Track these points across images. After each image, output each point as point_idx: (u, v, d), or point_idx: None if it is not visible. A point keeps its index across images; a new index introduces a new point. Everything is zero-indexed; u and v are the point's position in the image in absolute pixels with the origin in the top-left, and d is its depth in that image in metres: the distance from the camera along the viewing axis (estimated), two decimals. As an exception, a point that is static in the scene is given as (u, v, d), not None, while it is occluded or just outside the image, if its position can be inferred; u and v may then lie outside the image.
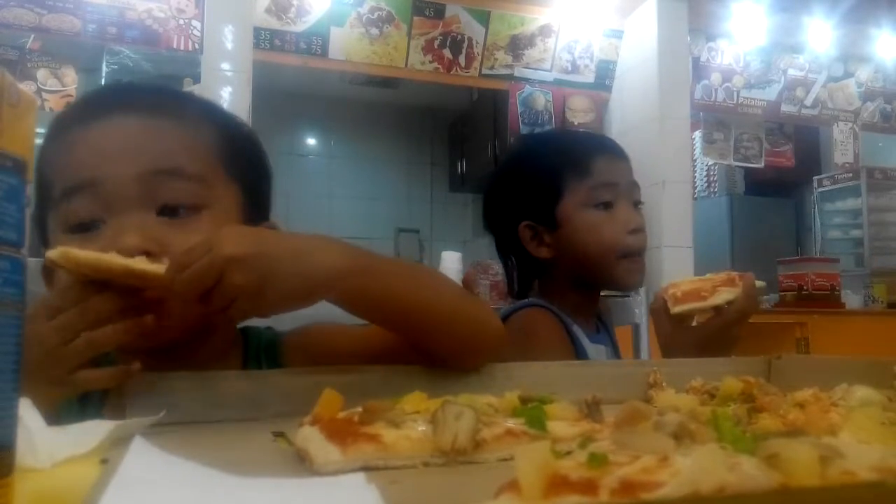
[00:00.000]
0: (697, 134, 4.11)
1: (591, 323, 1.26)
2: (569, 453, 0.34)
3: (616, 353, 1.30)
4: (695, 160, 4.39)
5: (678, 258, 3.41)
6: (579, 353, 1.15)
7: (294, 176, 4.79)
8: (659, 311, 1.09)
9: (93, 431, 0.48)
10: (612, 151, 1.24)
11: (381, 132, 5.27)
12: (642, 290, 1.54)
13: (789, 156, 4.29)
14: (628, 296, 1.55)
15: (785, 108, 4.22)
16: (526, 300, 1.22)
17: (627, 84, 3.77)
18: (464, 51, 3.59)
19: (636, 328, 1.59)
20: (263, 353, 0.84)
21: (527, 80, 3.71)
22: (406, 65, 3.51)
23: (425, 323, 0.72)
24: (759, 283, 1.07)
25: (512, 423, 0.51)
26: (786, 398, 0.64)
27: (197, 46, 3.04)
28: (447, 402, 0.50)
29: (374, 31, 3.42)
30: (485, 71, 3.64)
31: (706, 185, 5.20)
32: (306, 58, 3.34)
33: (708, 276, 1.10)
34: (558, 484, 0.30)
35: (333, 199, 5.14)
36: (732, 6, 3.86)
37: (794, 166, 4.34)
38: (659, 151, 3.49)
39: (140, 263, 0.61)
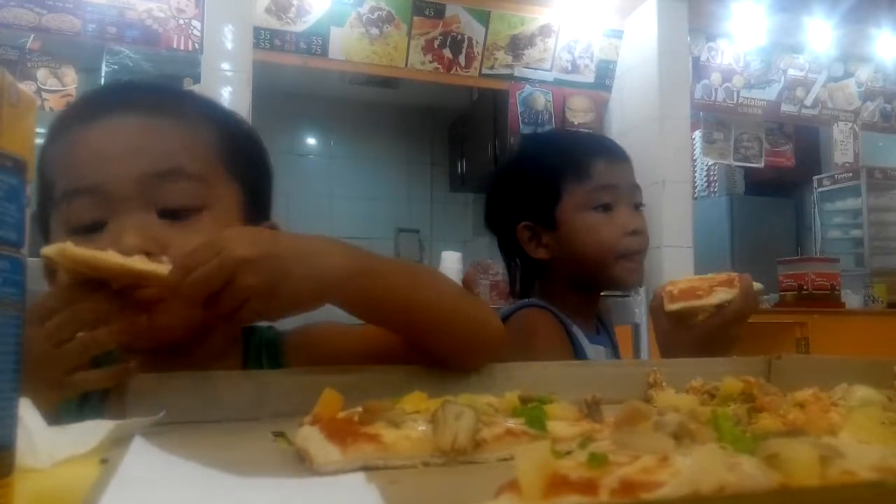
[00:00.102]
0: (697, 134, 4.11)
1: (591, 324, 1.26)
2: (569, 453, 0.34)
3: (616, 354, 1.30)
4: (695, 160, 4.39)
5: (678, 258, 3.41)
6: (579, 354, 1.15)
7: (294, 176, 4.79)
8: (657, 308, 1.09)
9: (93, 431, 0.48)
10: (613, 153, 1.24)
11: (381, 132, 5.26)
12: (642, 290, 1.54)
13: (789, 156, 4.29)
14: (628, 296, 1.55)
15: (785, 108, 4.22)
16: (526, 300, 1.22)
17: (627, 84, 3.77)
18: (464, 51, 3.59)
19: (636, 328, 1.58)
20: (264, 352, 0.84)
21: (527, 79, 3.71)
22: (406, 65, 3.51)
23: (425, 323, 0.72)
24: (757, 286, 1.07)
25: (512, 423, 0.51)
26: (786, 398, 0.64)
27: (197, 46, 3.04)
28: (447, 402, 0.50)
29: (374, 30, 3.42)
30: (485, 71, 3.64)
31: (706, 185, 5.20)
32: (306, 58, 3.34)
33: (709, 275, 1.10)
34: (558, 484, 0.30)
35: (333, 199, 5.14)
36: (732, 6, 3.86)
37: (794, 166, 4.34)
38: (659, 151, 3.49)
39: (139, 263, 0.60)
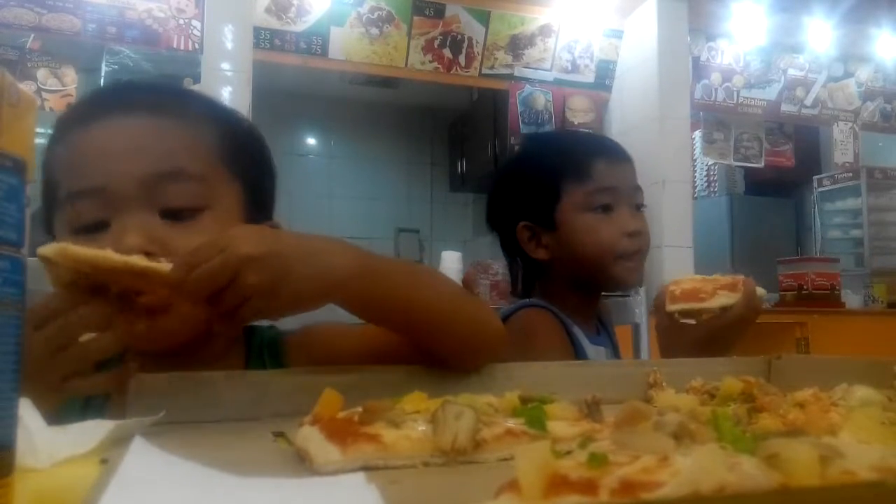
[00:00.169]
0: (697, 134, 4.11)
1: (592, 324, 1.25)
2: (569, 453, 0.34)
3: (616, 354, 1.30)
4: (695, 160, 4.39)
5: (678, 258, 3.41)
6: (579, 354, 1.15)
7: (294, 176, 4.79)
8: (659, 307, 1.09)
9: (92, 431, 0.48)
10: (614, 154, 1.23)
11: (381, 132, 5.27)
12: (642, 290, 1.54)
13: (789, 156, 4.29)
14: (628, 296, 1.55)
15: (785, 107, 4.22)
16: (526, 300, 1.22)
17: (627, 84, 3.77)
18: (464, 50, 3.59)
19: (636, 328, 1.58)
20: (266, 352, 0.84)
21: (527, 79, 3.71)
22: (406, 65, 3.51)
23: (426, 323, 0.72)
24: (761, 291, 1.06)
25: (512, 423, 0.51)
26: (786, 398, 0.64)
27: (197, 46, 3.04)
28: (447, 402, 0.50)
29: (374, 30, 3.42)
30: (485, 71, 3.64)
31: (706, 184, 5.20)
32: (306, 58, 3.34)
33: (715, 276, 1.10)
34: (558, 484, 0.30)
35: (333, 199, 5.14)
36: (732, 6, 3.86)
37: (794, 166, 4.34)
38: (659, 151, 3.49)
39: (141, 261, 0.60)
